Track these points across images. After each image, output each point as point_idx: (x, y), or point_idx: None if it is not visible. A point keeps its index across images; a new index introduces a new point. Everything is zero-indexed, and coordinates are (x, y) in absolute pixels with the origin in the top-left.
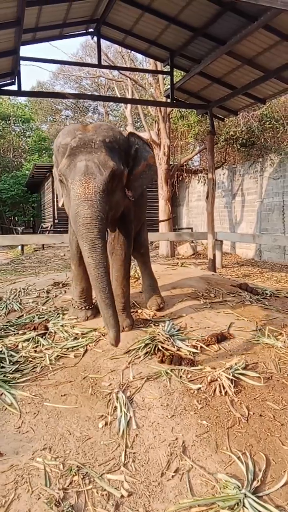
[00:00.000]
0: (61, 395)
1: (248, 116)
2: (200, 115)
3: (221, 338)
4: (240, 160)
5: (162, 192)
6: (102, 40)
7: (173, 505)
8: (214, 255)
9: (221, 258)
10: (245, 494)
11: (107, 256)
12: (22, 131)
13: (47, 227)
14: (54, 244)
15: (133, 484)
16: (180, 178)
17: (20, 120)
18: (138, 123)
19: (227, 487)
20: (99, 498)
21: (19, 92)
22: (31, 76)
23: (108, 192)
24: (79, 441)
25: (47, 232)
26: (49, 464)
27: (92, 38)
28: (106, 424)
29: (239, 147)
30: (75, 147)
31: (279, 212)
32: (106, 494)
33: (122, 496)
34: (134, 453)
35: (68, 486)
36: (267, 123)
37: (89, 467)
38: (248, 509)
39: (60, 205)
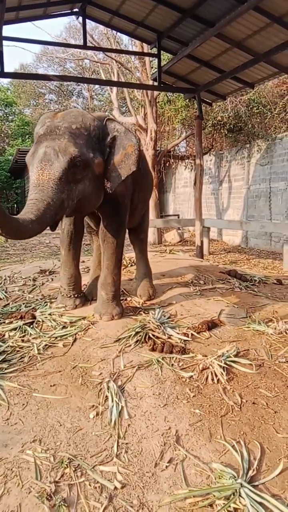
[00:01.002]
0: (50, 385)
1: (235, 101)
2: (187, 100)
3: (212, 325)
4: (227, 146)
5: None
6: (87, 21)
7: (168, 496)
8: (201, 242)
9: (208, 245)
10: (241, 484)
11: (37, 228)
12: (4, 115)
13: None
14: None
15: (126, 476)
16: (167, 164)
17: (3, 104)
18: (124, 108)
19: (222, 476)
20: (92, 491)
21: (2, 74)
22: (14, 58)
23: (67, 179)
24: (70, 432)
25: None
26: (39, 456)
27: (77, 19)
28: (97, 414)
29: (226, 133)
30: (42, 135)
31: (266, 198)
32: (99, 487)
33: (115, 488)
34: (126, 443)
35: (59, 479)
36: (255, 108)
37: (81, 459)
38: (244, 499)
39: None
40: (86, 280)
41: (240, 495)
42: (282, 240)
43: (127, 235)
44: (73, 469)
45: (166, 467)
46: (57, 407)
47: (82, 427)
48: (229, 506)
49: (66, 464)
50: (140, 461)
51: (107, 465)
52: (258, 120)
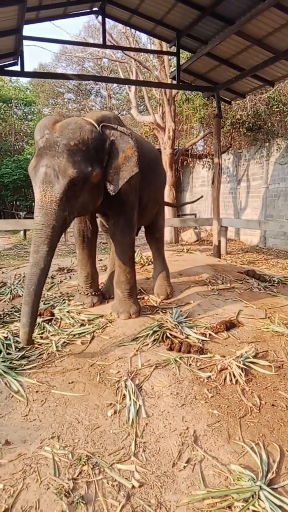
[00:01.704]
0: (69, 383)
1: (255, 99)
2: (206, 98)
3: (230, 325)
4: (246, 144)
5: (167, 177)
6: (106, 20)
7: (186, 497)
8: (219, 242)
9: (225, 245)
10: (260, 487)
11: (48, 261)
12: (24, 114)
13: None
14: None
15: (144, 475)
16: (184, 163)
17: (22, 103)
18: (142, 106)
19: (241, 478)
20: (109, 489)
21: (22, 73)
22: (33, 57)
23: (68, 198)
24: (88, 430)
25: None
26: (57, 453)
27: (97, 18)
28: (115, 412)
29: (245, 132)
30: (42, 148)
31: (285, 198)
32: (116, 485)
33: (133, 486)
34: (144, 442)
35: (77, 476)
36: (275, 106)
37: (99, 456)
38: (263, 502)
39: None
40: (103, 278)
41: (259, 498)
42: None
43: (143, 234)
44: (91, 466)
45: (184, 467)
46: (75, 404)
47: (100, 425)
48: (248, 509)
49: (84, 462)
50: (158, 461)
51: (125, 464)
52: (278, 118)
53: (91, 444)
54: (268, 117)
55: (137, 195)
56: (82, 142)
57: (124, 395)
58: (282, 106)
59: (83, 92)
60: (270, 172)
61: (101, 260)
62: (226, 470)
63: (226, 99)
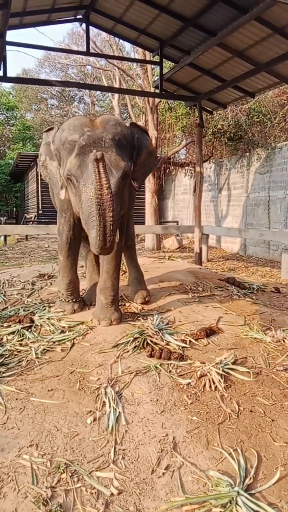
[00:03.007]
0: (48, 390)
1: (236, 109)
2: (188, 107)
3: (210, 332)
4: (227, 154)
5: (149, 184)
6: (90, 28)
7: (165, 504)
8: (200, 249)
9: (207, 252)
10: (238, 492)
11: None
12: (6, 119)
13: (31, 217)
14: (38, 235)
15: (123, 482)
16: (167, 171)
17: (4, 108)
18: (125, 114)
19: (219, 484)
20: (88, 497)
21: (5, 78)
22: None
23: (120, 193)
24: (67, 437)
25: (31, 222)
26: (36, 461)
27: (81, 25)
28: (94, 419)
29: (226, 141)
30: (85, 145)
31: (265, 207)
32: (95, 492)
33: (112, 494)
34: (123, 449)
35: (56, 484)
36: (255, 117)
37: (78, 464)
38: (241, 507)
39: (62, 197)
40: (84, 285)
41: (236, 503)
42: (280, 248)
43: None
44: (70, 474)
45: (163, 474)
46: (54, 412)
47: (79, 432)
48: None
49: (63, 470)
50: (137, 468)
51: (104, 471)
52: (258, 129)
53: (70, 451)
54: (248, 127)
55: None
56: (124, 137)
57: (104, 402)
58: (263, 117)
59: (66, 98)
60: (250, 181)
61: (82, 266)
62: (205, 476)
63: (208, 109)
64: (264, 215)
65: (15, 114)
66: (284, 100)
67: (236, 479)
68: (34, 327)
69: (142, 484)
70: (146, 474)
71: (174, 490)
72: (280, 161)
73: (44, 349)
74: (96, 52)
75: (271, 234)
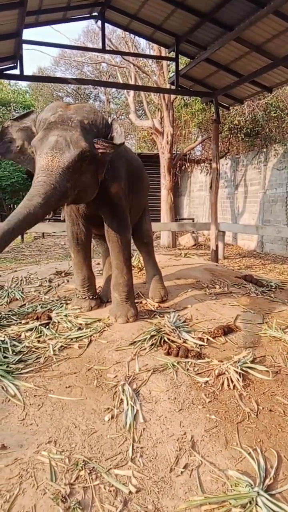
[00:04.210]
0: (66, 387)
1: (253, 105)
2: (204, 103)
3: (227, 330)
4: (244, 150)
5: (165, 181)
6: (106, 25)
7: (183, 503)
8: (217, 246)
9: (223, 249)
10: (258, 492)
11: (37, 212)
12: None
13: None
14: (55, 232)
15: (141, 480)
16: (182, 168)
17: (21, 107)
18: (140, 111)
19: (238, 484)
20: (106, 494)
21: (21, 77)
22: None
23: (74, 170)
24: (85, 435)
25: (47, 220)
26: (54, 458)
27: (96, 22)
28: (112, 417)
29: (243, 137)
30: (53, 122)
31: (282, 203)
32: (113, 490)
33: (130, 492)
34: (141, 447)
35: (74, 481)
36: (272, 112)
37: (96, 461)
38: (261, 508)
39: None
40: (101, 282)
41: (257, 504)
42: None
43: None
44: (88, 471)
45: (182, 472)
46: (72, 408)
47: (97, 429)
48: None
49: (81, 467)
50: (155, 466)
51: (122, 469)
52: (276, 124)
53: (88, 449)
54: (266, 122)
55: (127, 199)
56: (94, 125)
57: (121, 399)
58: (280, 112)
59: (81, 96)
60: (267, 177)
61: (98, 264)
62: (224, 475)
63: (224, 104)
64: (282, 212)
65: None
66: None
67: (255, 479)
68: (52, 324)
69: (160, 483)
70: (165, 472)
71: (192, 489)
72: None
73: (61, 346)
74: (111, 49)
75: None
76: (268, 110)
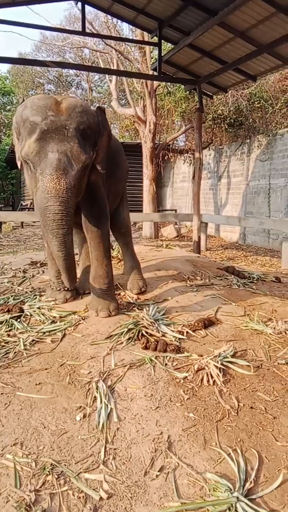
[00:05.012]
0: (36, 384)
1: (237, 94)
2: (188, 92)
3: (208, 323)
4: (227, 140)
5: (147, 171)
6: (87, 8)
7: (158, 509)
8: (199, 238)
9: (205, 241)
10: (237, 498)
11: (73, 248)
12: (2, 104)
13: (27, 204)
14: (34, 222)
15: (113, 485)
16: (165, 158)
17: (0, 93)
18: (123, 100)
19: (217, 488)
20: (75, 501)
21: None
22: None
23: (78, 183)
24: (54, 436)
25: (27, 210)
26: (20, 461)
27: (76, 4)
28: (84, 416)
29: (226, 127)
30: (46, 131)
31: (265, 195)
32: (83, 497)
33: (101, 498)
34: (114, 449)
35: (40, 487)
36: (256, 102)
37: (65, 465)
38: None
39: (19, 166)
40: (77, 273)
41: (236, 510)
42: (281, 237)
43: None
44: (56, 476)
45: (157, 476)
46: (41, 407)
47: (67, 430)
48: None
49: (49, 471)
50: (129, 469)
51: (93, 473)
52: (259, 115)
53: (57, 451)
54: (249, 113)
55: (103, 184)
56: (89, 127)
57: (95, 397)
58: (264, 103)
59: (63, 83)
60: (250, 169)
61: (76, 254)
62: (202, 479)
63: (208, 93)
64: (264, 204)
65: (11, 99)
66: (287, 86)
67: (235, 482)
68: (24, 317)
69: (134, 487)
70: (139, 476)
71: (168, 494)
72: (281, 148)
73: (33, 340)
74: (92, 33)
75: (272, 223)
76: (252, 100)
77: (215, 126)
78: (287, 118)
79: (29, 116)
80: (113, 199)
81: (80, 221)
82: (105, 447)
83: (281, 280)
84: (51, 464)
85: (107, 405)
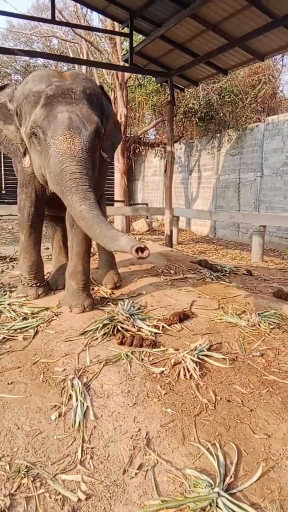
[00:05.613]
0: (8, 383)
1: (207, 88)
2: (159, 84)
3: (183, 317)
4: (198, 135)
5: (118, 164)
6: None
7: (138, 508)
8: (171, 231)
9: (177, 235)
10: (218, 493)
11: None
12: None
13: None
14: (1, 216)
15: (91, 485)
16: (136, 151)
17: None
18: None
19: (197, 485)
20: (52, 504)
21: None
22: None
23: (92, 150)
24: (28, 436)
25: None
26: None
27: None
28: (59, 415)
29: (197, 121)
30: (52, 95)
31: (235, 189)
32: (60, 499)
33: (79, 499)
34: (92, 448)
35: (15, 491)
36: (227, 96)
37: (41, 466)
38: (222, 510)
39: (26, 164)
40: (49, 268)
41: (217, 506)
42: (250, 231)
43: None
44: (32, 479)
45: (136, 474)
46: (14, 407)
47: (42, 430)
48: None
49: (24, 474)
50: (107, 468)
51: (70, 474)
52: (230, 109)
53: (32, 452)
54: (220, 107)
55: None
56: (94, 94)
57: (70, 395)
58: (234, 97)
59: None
60: (221, 163)
61: (47, 248)
62: (181, 475)
63: (180, 86)
64: (234, 198)
65: None
66: (256, 81)
67: (215, 477)
68: None
69: (112, 487)
70: (117, 475)
71: (148, 492)
72: (250, 142)
73: (4, 338)
74: (62, 21)
75: (242, 217)
76: (222, 95)
77: (186, 120)
78: (257, 113)
79: (32, 87)
80: (96, 193)
81: (55, 213)
82: (82, 447)
83: (252, 273)
84: (26, 466)
85: (83, 403)
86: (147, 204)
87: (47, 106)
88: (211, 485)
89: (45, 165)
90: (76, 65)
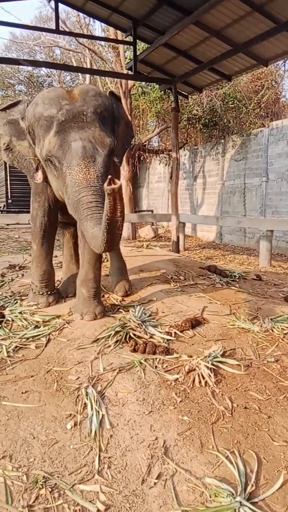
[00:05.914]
0: (22, 392)
1: (211, 95)
2: (162, 91)
3: (195, 323)
4: (202, 141)
5: (124, 171)
6: (60, 6)
7: None
8: (178, 237)
9: (184, 241)
10: (240, 503)
11: None
12: None
13: (0, 207)
14: (8, 225)
15: (110, 495)
16: (141, 158)
17: None
18: None
19: (218, 494)
20: None
21: None
22: None
23: (106, 170)
24: (44, 446)
25: (0, 212)
26: (10, 476)
27: (49, 2)
28: (75, 424)
29: (201, 128)
30: (64, 121)
31: (240, 194)
32: (79, 510)
33: (98, 510)
34: (109, 457)
35: (34, 502)
36: (230, 103)
37: (58, 477)
38: None
39: (39, 180)
40: (59, 276)
41: None
42: (257, 236)
43: None
44: (49, 489)
45: (155, 483)
46: (29, 417)
47: (58, 439)
48: None
49: (41, 484)
50: (125, 478)
51: (88, 484)
52: (233, 115)
53: (49, 462)
54: (223, 113)
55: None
56: (105, 109)
57: (85, 404)
58: (238, 103)
59: (34, 84)
60: (225, 168)
61: (56, 256)
62: (201, 484)
63: (183, 92)
64: (240, 203)
65: None
66: (259, 86)
67: (236, 486)
68: (5, 323)
69: (131, 497)
70: (136, 484)
71: (168, 502)
72: (255, 147)
73: (16, 347)
74: (65, 31)
75: (248, 222)
76: (226, 101)
77: (189, 126)
78: (260, 118)
79: (43, 111)
80: None
81: (67, 220)
82: (99, 456)
83: (262, 278)
84: (44, 477)
85: (98, 411)
86: (152, 211)
87: (60, 133)
88: (233, 494)
89: (62, 189)
90: (79, 74)
